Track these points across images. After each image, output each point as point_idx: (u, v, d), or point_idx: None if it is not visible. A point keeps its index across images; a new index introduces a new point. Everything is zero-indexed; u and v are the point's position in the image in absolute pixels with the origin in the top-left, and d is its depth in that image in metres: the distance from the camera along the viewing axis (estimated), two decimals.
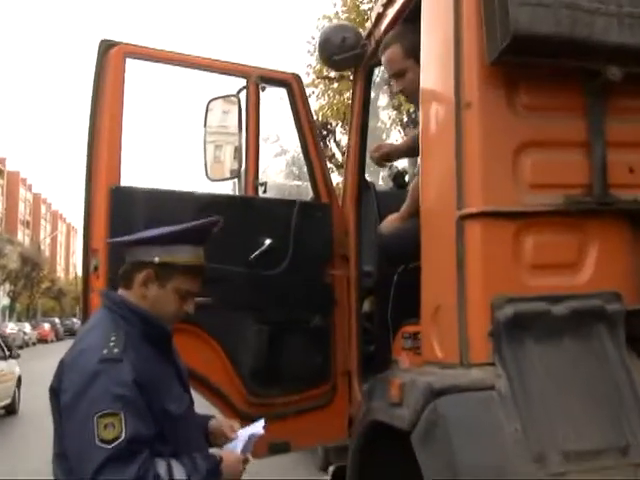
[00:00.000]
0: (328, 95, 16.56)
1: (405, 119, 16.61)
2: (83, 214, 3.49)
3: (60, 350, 2.64)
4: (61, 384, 2.36)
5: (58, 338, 53.89)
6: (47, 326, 53.73)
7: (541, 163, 2.46)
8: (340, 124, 17.13)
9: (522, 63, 2.41)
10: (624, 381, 2.29)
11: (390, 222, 3.59)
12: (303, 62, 15.48)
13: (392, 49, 3.43)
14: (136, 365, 2.32)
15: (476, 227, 2.40)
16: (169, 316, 2.54)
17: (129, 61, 3.56)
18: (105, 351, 2.31)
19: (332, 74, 16.09)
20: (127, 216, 3.41)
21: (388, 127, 18.90)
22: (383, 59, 3.53)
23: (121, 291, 2.55)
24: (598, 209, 2.45)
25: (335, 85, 16.18)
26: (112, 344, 2.34)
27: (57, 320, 61.38)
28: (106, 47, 3.53)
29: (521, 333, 2.30)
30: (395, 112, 17.15)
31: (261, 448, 3.20)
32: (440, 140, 2.63)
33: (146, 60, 3.68)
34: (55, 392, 2.39)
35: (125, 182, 3.50)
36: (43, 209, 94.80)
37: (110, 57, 3.52)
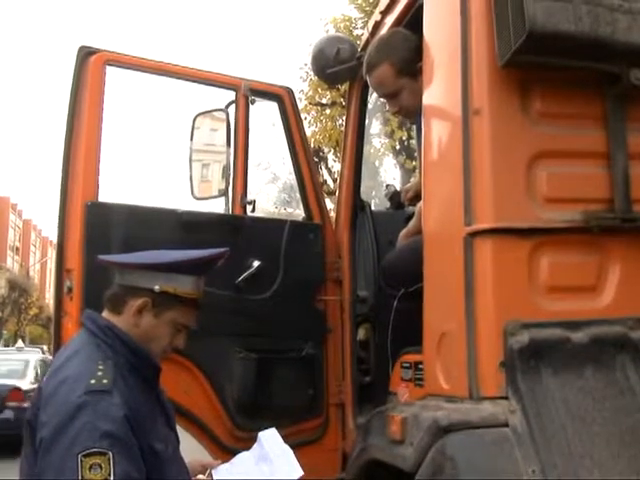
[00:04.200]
0: (320, 121, 16.42)
1: (398, 146, 16.51)
2: (57, 232, 3.25)
3: None
4: (39, 417, 2.08)
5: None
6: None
7: (557, 175, 2.24)
8: (332, 151, 16.98)
9: (537, 65, 2.20)
10: None
11: (399, 240, 3.36)
12: (295, 88, 15.23)
13: (381, 69, 3.14)
14: (126, 399, 2.07)
15: (487, 245, 2.17)
16: (159, 349, 2.32)
17: (110, 69, 3.35)
18: (93, 381, 2.06)
19: (324, 100, 16.02)
20: (104, 234, 3.19)
21: (380, 154, 18.76)
22: (371, 80, 3.25)
23: (107, 315, 2.30)
24: (620, 226, 2.22)
25: (328, 111, 16.05)
26: (100, 373, 2.09)
27: (45, 348, 60.65)
28: (85, 54, 3.33)
29: (537, 363, 2.07)
30: (388, 140, 17.03)
31: None
32: (446, 150, 2.41)
33: (128, 69, 3.47)
34: (31, 425, 2.11)
35: (103, 198, 3.27)
36: (33, 235, 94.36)
37: (89, 65, 3.31)
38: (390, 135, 15.76)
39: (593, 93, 2.28)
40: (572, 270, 2.23)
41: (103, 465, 1.92)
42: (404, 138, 15.87)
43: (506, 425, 1.97)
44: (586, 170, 2.28)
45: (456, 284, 2.22)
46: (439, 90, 2.50)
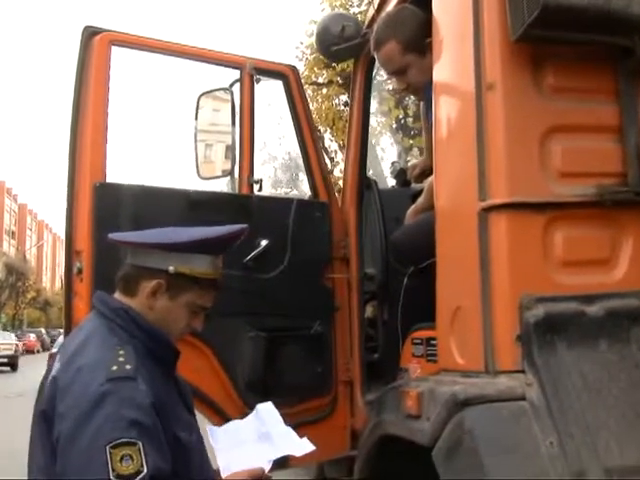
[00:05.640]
0: (317, 101, 16.35)
1: (394, 125, 16.47)
2: (65, 213, 3.24)
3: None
4: (56, 408, 1.94)
5: (44, 349, 53.40)
6: (33, 337, 53.17)
7: (571, 150, 2.24)
8: (329, 130, 16.92)
9: (549, 39, 2.19)
10: None
11: (407, 217, 3.36)
12: None
13: (388, 46, 3.14)
14: (151, 386, 1.97)
15: (501, 220, 2.17)
16: (175, 332, 2.19)
17: (115, 49, 3.34)
18: (114, 367, 1.93)
19: (320, 80, 15.95)
20: (113, 215, 3.18)
21: (377, 133, 18.71)
22: (378, 57, 3.26)
23: (120, 296, 2.18)
24: (633, 200, 2.22)
25: (324, 91, 15.98)
26: (122, 359, 1.96)
27: (43, 331, 60.88)
28: (90, 34, 3.31)
29: (553, 336, 2.07)
30: (385, 118, 16.97)
31: None
32: (458, 126, 2.40)
33: (133, 48, 3.45)
34: (46, 417, 1.97)
35: (111, 179, 3.27)
36: (29, 219, 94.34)
37: (94, 45, 3.29)
38: (387, 114, 15.71)
39: (606, 67, 2.27)
40: (586, 244, 2.23)
41: (134, 456, 1.82)
42: (401, 117, 15.82)
43: (523, 398, 1.98)
44: (599, 144, 2.27)
45: (470, 259, 2.22)
46: (450, 66, 2.49)
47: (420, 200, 3.25)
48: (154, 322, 2.14)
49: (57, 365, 2.07)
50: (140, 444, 1.83)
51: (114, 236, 2.26)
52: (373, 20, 3.51)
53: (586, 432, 1.94)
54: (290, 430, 2.62)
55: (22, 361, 36.85)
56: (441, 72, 2.54)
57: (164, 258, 2.12)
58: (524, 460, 1.88)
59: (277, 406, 2.95)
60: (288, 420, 3.12)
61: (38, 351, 50.85)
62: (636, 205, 2.23)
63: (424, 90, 3.06)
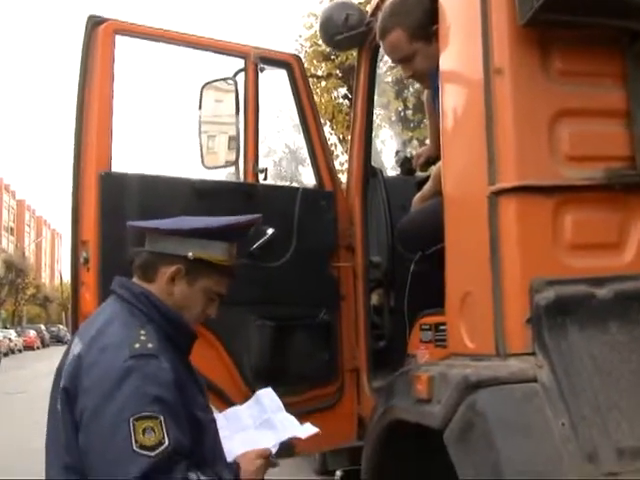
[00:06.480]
0: (316, 93, 16.33)
1: (393, 117, 16.48)
2: (71, 203, 3.25)
3: (48, 356, 2.30)
4: (79, 384, 2.03)
5: (44, 345, 53.65)
6: (33, 333, 53.33)
7: (579, 133, 2.24)
8: (328, 123, 16.91)
9: (557, 24, 2.19)
10: None
11: (414, 204, 3.37)
12: None
13: (394, 34, 3.14)
14: (172, 364, 2.06)
15: (511, 203, 2.17)
16: (191, 318, 2.27)
17: (119, 38, 3.33)
18: (137, 345, 2.02)
19: (319, 72, 15.94)
20: (119, 204, 3.18)
21: (376, 125, 18.70)
22: (384, 46, 3.26)
23: (138, 282, 2.25)
24: None
25: (323, 83, 15.97)
26: (143, 338, 2.05)
27: (43, 327, 61.03)
28: (94, 24, 3.31)
29: (563, 319, 2.08)
30: (384, 111, 16.98)
31: None
32: (467, 111, 2.41)
33: (137, 37, 3.45)
34: (69, 393, 2.05)
35: (116, 168, 3.27)
36: (27, 216, 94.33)
37: (99, 34, 3.29)
38: (386, 106, 15.72)
39: (613, 51, 2.27)
40: (595, 227, 2.23)
41: (156, 429, 1.90)
42: (400, 109, 15.83)
43: (535, 380, 1.98)
44: (607, 128, 2.27)
45: (480, 243, 2.22)
46: (458, 52, 2.49)
47: (427, 187, 3.26)
48: (172, 307, 2.22)
49: (79, 345, 2.14)
50: (162, 418, 1.92)
51: (134, 224, 2.35)
52: (377, 8, 3.50)
53: (597, 413, 1.95)
54: (291, 416, 2.64)
55: (18, 357, 37.31)
56: (448, 58, 2.54)
57: (183, 244, 2.21)
58: (537, 441, 1.89)
59: (284, 394, 2.96)
60: (295, 408, 3.14)
61: (38, 347, 51.01)
62: None
63: (430, 77, 3.07)
